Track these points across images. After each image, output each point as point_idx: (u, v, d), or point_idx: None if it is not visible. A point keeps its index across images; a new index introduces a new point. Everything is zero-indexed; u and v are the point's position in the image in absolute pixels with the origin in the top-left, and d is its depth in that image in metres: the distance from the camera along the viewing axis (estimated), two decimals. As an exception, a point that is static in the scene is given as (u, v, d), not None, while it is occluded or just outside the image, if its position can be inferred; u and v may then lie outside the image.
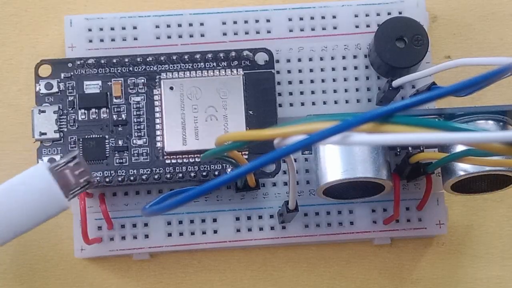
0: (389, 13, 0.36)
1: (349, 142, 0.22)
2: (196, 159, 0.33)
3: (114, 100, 0.34)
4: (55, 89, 0.34)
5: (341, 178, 0.31)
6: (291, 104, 0.36)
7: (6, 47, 0.37)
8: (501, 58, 0.31)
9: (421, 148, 0.32)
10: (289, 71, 0.36)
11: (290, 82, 0.36)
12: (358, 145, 0.30)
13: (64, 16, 0.36)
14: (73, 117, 0.34)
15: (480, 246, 0.37)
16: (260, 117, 0.34)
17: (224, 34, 0.36)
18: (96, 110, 0.34)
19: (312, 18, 0.37)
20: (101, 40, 0.36)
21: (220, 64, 0.34)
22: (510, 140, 0.22)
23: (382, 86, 0.36)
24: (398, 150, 0.33)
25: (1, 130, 0.37)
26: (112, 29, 0.36)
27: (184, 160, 0.33)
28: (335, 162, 0.31)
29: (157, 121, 0.33)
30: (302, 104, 0.36)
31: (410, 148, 0.33)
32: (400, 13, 0.36)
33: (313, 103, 0.36)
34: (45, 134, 0.33)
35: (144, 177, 0.33)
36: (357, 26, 0.37)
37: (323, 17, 0.37)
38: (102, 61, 0.34)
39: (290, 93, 0.36)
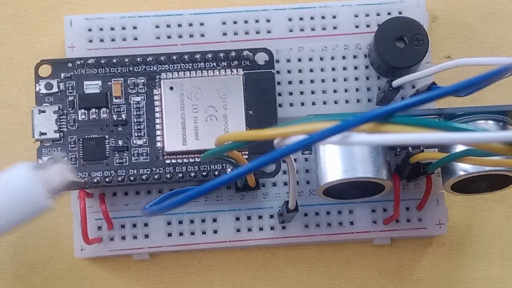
0: (389, 13, 0.36)
1: (349, 142, 0.22)
2: (196, 159, 0.33)
3: (114, 100, 0.34)
4: (55, 89, 0.34)
5: (341, 178, 0.31)
6: (291, 104, 0.36)
7: (6, 47, 0.37)
8: (501, 58, 0.31)
9: (421, 148, 0.32)
10: (289, 71, 0.36)
11: (290, 82, 0.36)
12: (358, 145, 0.30)
13: (64, 16, 0.36)
14: (73, 117, 0.33)
15: (480, 246, 0.37)
16: (260, 117, 0.34)
17: (224, 34, 0.36)
18: (96, 110, 0.34)
19: (312, 18, 0.37)
20: (101, 40, 0.36)
21: (220, 64, 0.34)
22: (510, 140, 0.22)
23: (382, 86, 0.36)
24: (398, 150, 0.33)
25: (1, 130, 0.37)
26: (112, 29, 0.36)
27: (184, 160, 0.33)
28: (335, 162, 0.31)
29: (157, 121, 0.33)
30: (302, 104, 0.36)
31: (410, 148, 0.33)
32: (400, 13, 0.36)
33: (313, 103, 0.36)
34: (45, 134, 0.33)
35: (144, 177, 0.33)
36: (357, 26, 0.37)
37: (323, 17, 0.37)
38: (102, 61, 0.34)
39: (290, 93, 0.36)
